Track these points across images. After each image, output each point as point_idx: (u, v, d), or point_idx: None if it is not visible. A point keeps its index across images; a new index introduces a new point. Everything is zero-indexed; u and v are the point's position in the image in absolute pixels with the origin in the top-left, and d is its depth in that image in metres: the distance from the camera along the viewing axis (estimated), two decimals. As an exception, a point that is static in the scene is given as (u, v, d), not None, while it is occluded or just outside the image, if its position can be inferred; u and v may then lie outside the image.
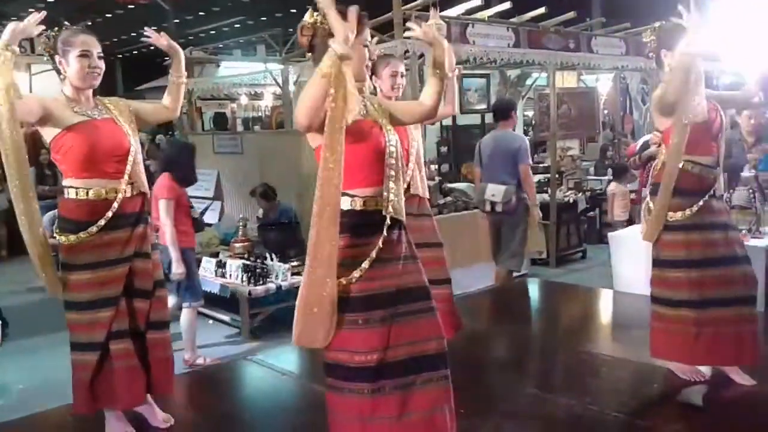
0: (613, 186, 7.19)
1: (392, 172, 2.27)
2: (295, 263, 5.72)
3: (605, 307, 5.18)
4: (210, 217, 7.83)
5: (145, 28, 3.07)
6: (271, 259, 5.69)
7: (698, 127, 3.07)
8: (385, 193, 2.25)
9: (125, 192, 2.82)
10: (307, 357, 4.39)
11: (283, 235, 6.21)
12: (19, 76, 2.75)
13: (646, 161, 5.97)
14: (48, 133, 2.77)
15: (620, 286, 5.31)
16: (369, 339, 2.18)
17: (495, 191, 5.35)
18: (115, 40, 20.68)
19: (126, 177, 2.83)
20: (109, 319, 2.79)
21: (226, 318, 5.73)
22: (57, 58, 2.76)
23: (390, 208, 2.24)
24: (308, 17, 2.23)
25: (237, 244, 6.13)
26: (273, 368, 3.91)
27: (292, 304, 5.52)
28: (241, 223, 6.34)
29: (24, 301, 6.48)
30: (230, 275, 5.58)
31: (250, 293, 5.28)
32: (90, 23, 17.19)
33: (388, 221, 2.24)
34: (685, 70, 2.91)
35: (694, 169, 3.15)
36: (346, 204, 2.19)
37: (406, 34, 2.49)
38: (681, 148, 3.08)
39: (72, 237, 2.76)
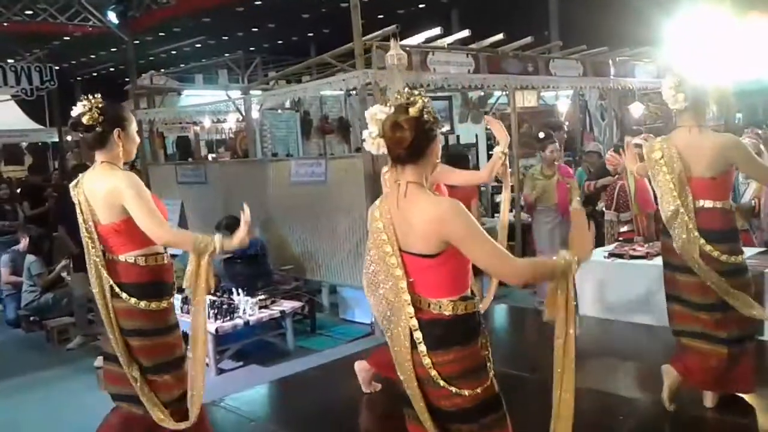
0: None
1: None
2: (262, 297, 5.69)
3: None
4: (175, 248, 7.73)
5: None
6: (238, 294, 5.64)
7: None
8: (474, 289, 2.21)
9: None
10: (276, 403, 4.37)
11: (250, 268, 6.17)
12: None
13: (601, 189, 6.15)
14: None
15: (584, 309, 5.39)
16: None
17: None
18: (74, 62, 20.41)
19: None
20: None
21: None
22: (117, 131, 2.79)
23: (480, 301, 2.24)
24: (412, 111, 1.99)
25: (203, 279, 6.05)
26: (241, 414, 3.88)
27: (259, 338, 5.53)
28: (206, 256, 6.28)
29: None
30: (196, 312, 5.50)
31: (217, 330, 5.23)
32: (48, 47, 16.91)
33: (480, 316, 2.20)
34: None
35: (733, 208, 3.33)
36: (461, 309, 2.12)
37: None
38: None
39: (164, 302, 2.89)
